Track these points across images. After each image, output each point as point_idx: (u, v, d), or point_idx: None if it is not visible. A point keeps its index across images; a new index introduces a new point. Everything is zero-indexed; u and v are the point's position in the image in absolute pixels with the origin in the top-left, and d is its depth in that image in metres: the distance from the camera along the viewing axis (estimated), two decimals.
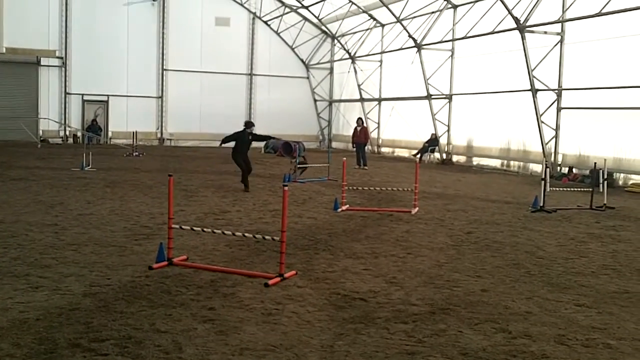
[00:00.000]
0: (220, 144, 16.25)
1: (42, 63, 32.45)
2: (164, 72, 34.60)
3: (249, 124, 15.98)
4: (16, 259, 7.76)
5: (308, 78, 37.72)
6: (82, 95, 33.23)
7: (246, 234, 8.41)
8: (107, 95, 33.61)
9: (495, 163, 25.10)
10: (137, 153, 26.14)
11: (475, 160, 26.32)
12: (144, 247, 8.66)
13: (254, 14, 36.00)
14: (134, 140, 28.07)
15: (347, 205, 12.92)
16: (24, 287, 6.55)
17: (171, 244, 7.76)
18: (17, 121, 30.38)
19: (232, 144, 15.93)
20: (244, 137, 15.69)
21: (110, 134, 33.86)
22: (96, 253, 8.21)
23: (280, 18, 35.62)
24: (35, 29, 31.82)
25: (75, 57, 32.81)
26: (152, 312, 5.87)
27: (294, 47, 36.75)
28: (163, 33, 34.36)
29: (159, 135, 34.76)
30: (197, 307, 6.06)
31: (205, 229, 8.49)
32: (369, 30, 32.22)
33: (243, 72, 36.34)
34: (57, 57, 32.71)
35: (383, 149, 33.07)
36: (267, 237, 8.00)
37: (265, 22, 36.30)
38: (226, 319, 5.74)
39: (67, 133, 33.22)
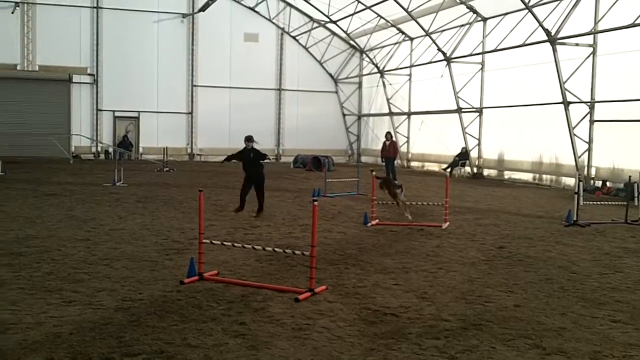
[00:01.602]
0: (223, 161, 15.02)
1: (74, 80, 33.16)
2: (194, 88, 35.09)
3: (248, 139, 14.10)
4: (50, 273, 7.92)
5: (337, 92, 37.86)
6: (114, 111, 33.87)
7: (276, 249, 8.46)
8: (138, 112, 34.20)
9: (527, 177, 24.81)
10: (167, 168, 26.50)
11: (507, 174, 26.06)
12: (175, 261, 8.77)
13: (283, 29, 36.36)
14: (165, 155, 28.49)
15: (377, 220, 12.90)
16: (57, 301, 6.69)
17: (202, 259, 7.85)
18: (50, 137, 31.05)
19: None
20: (245, 154, 13.99)
21: (141, 149, 34.40)
22: (128, 268, 8.34)
23: (308, 33, 35.91)
24: (67, 47, 32.64)
25: (107, 74, 33.50)
26: (183, 326, 5.94)
27: (322, 61, 36.97)
28: (192, 49, 34.89)
29: (189, 150, 35.18)
30: (228, 322, 6.11)
31: (235, 244, 8.57)
32: (397, 44, 32.28)
33: (272, 87, 36.64)
34: (89, 75, 33.44)
35: (412, 163, 32.95)
36: (297, 252, 8.04)
37: (294, 38, 36.62)
38: (257, 334, 5.78)
39: (99, 149, 33.84)
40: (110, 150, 33.21)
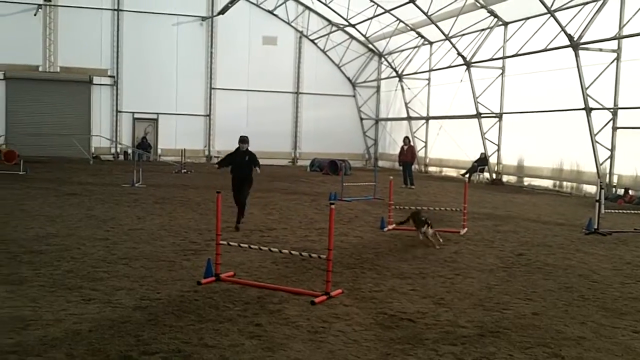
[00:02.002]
0: (218, 167, 13.16)
1: (94, 82, 33.55)
2: (212, 90, 35.31)
3: (243, 140, 12.45)
4: (69, 271, 8.03)
5: (354, 96, 37.88)
6: (133, 113, 34.19)
7: (292, 252, 8.49)
8: (157, 114, 34.49)
9: (547, 184, 24.61)
10: (185, 170, 26.69)
11: (526, 181, 25.88)
12: (193, 262, 8.84)
13: (301, 32, 36.48)
14: (183, 157, 28.70)
15: (394, 225, 12.89)
16: (76, 299, 6.78)
17: (219, 260, 7.91)
18: (71, 138, 31.45)
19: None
20: (237, 157, 12.47)
21: (159, 151, 34.69)
22: (146, 267, 8.42)
23: (327, 36, 35.99)
24: (88, 49, 33.05)
25: (126, 75, 33.85)
26: (200, 326, 5.99)
27: (340, 65, 37.02)
28: (211, 52, 35.13)
29: (206, 152, 35.40)
30: (244, 323, 6.15)
31: (252, 246, 8.62)
32: (416, 48, 32.23)
33: (289, 91, 36.75)
34: (109, 76, 33.81)
35: (430, 169, 32.86)
36: (313, 255, 8.07)
37: (312, 41, 36.72)
38: (273, 336, 5.81)
39: (118, 150, 34.18)
40: (129, 151, 33.53)
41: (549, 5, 20.92)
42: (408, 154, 24.17)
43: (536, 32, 22.78)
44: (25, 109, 32.22)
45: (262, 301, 6.96)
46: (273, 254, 8.97)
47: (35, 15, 32.24)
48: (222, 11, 33.07)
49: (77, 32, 32.78)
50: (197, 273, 8.06)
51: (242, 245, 8.55)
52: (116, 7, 33.45)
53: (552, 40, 21.64)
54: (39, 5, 31.97)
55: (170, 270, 8.33)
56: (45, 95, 32.56)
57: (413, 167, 24.81)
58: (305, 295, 7.24)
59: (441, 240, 11.09)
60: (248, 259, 9.11)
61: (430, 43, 31.32)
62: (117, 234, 10.91)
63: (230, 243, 8.47)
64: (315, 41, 36.70)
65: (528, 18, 24.15)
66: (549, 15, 21.31)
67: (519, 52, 23.67)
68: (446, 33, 27.33)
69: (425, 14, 27.10)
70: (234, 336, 5.76)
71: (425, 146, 32.85)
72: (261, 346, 5.53)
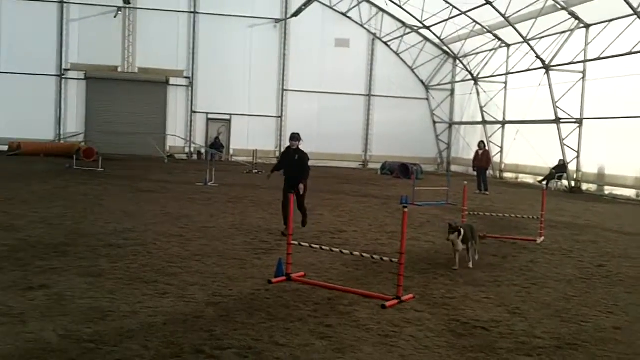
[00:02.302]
0: (269, 175, 12.11)
1: (170, 82, 34.62)
2: (284, 92, 35.75)
3: (294, 138, 11.62)
4: (145, 265, 8.30)
5: (427, 99, 37.47)
6: (207, 113, 35.05)
7: (364, 254, 8.48)
8: (230, 114, 35.23)
9: (630, 193, 23.58)
10: (256, 170, 27.12)
11: (607, 190, 24.87)
12: (263, 261, 8.97)
13: (374, 34, 36.41)
14: (254, 157, 29.18)
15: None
16: (152, 292, 7.00)
17: (290, 260, 7.99)
18: (147, 137, 32.56)
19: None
20: (287, 156, 11.69)
21: (231, 151, 35.42)
22: (218, 264, 8.61)
23: (400, 39, 35.77)
24: (165, 51, 34.16)
25: (201, 77, 34.74)
26: (271, 324, 6.08)
27: (413, 67, 36.71)
28: (284, 54, 35.57)
29: (277, 153, 35.86)
30: (315, 324, 6.19)
31: (323, 247, 8.66)
32: (493, 51, 31.57)
33: (361, 93, 36.72)
34: (185, 77, 34.79)
35: (506, 174, 32.09)
36: (385, 258, 8.03)
37: (385, 43, 36.57)
38: (343, 337, 5.82)
39: (192, 149, 35.10)
40: (203, 151, 34.37)
41: (635, 6, 20.06)
42: (483, 158, 23.70)
43: (620, 34, 21.89)
44: (104, 108, 33.62)
45: (332, 302, 6.99)
46: (343, 256, 8.99)
47: (115, 17, 33.56)
48: (296, 13, 33.42)
49: (155, 34, 33.95)
50: (267, 272, 8.18)
51: (313, 246, 8.60)
52: (193, 10, 34.40)
53: (638, 44, 20.73)
54: (119, 7, 33.27)
55: (241, 268, 8.48)
56: (123, 95, 33.83)
57: (488, 172, 24.30)
58: (375, 298, 7.22)
59: (477, 257, 9.71)
60: (318, 260, 9.17)
61: (508, 45, 30.59)
62: (191, 231, 11.20)
63: (302, 243, 8.54)
64: (389, 43, 36.54)
65: (612, 20, 23.23)
66: (634, 16, 20.43)
67: (602, 56, 22.81)
68: (524, 35, 26.65)
69: (503, 15, 26.51)
70: (305, 336, 5.80)
71: (501, 151, 32.11)
72: (331, 347, 5.55)
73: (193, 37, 34.56)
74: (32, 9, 32.81)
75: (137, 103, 34.12)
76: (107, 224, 11.57)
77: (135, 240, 10.09)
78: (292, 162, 11.50)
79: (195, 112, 34.92)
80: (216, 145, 34.40)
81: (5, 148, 30.37)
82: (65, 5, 33.19)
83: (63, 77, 33.55)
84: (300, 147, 11.65)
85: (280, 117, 35.81)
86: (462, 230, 9.21)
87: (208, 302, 6.73)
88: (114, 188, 17.86)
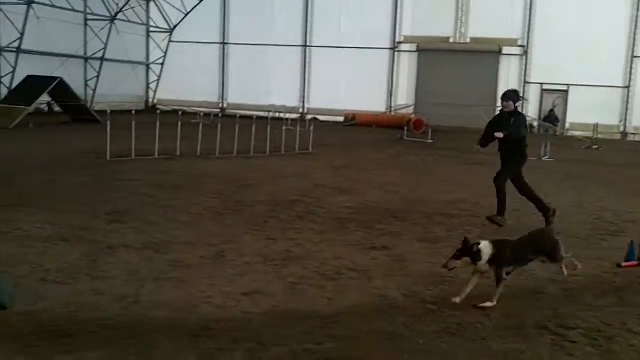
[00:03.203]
0: (479, 148, 9.78)
1: (503, 52, 34.13)
2: (634, 59, 32.44)
3: (507, 96, 9.18)
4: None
5: None
6: (542, 84, 33.76)
7: None
8: (567, 85, 33.34)
9: None
10: (596, 146, 25.35)
11: None
12: (610, 243, 8.42)
13: None
14: (595, 133, 27.31)
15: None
16: None
17: None
18: (477, 109, 32.66)
19: None
20: (501, 121, 9.31)
21: (567, 125, 33.61)
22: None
23: None
24: (498, 19, 33.55)
25: (537, 45, 33.45)
26: (621, 309, 5.72)
27: None
28: (637, 16, 32.18)
29: (621, 129, 32.93)
30: None
31: None
32: None
33: None
34: (519, 46, 33.96)
35: None
36: None
37: None
38: None
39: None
40: (535, 124, 33.24)
41: None
42: None
43: None
44: (434, 80, 34.73)
45: None
46: None
47: None
48: None
49: (488, 3, 33.67)
50: (615, 255, 7.62)
51: None
52: None
53: None
54: None
55: (585, 248, 8.05)
56: (454, 66, 34.45)
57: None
58: None
59: (501, 288, 5.72)
60: None
61: None
62: (525, 206, 10.91)
63: None
64: None
65: None
66: None
67: None
68: None
69: None
70: None
71: None
72: None
73: (530, 3, 33.44)
74: None
75: (467, 74, 34.41)
76: (440, 193, 12.07)
77: (468, 211, 10.32)
78: (506, 127, 9.08)
79: (528, 82, 33.91)
80: (550, 119, 32.98)
81: (342, 119, 33.58)
82: None
83: (396, 49, 35.60)
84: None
85: (628, 87, 32.62)
86: (482, 250, 5.71)
87: (550, 279, 6.56)
88: (443, 159, 18.47)
